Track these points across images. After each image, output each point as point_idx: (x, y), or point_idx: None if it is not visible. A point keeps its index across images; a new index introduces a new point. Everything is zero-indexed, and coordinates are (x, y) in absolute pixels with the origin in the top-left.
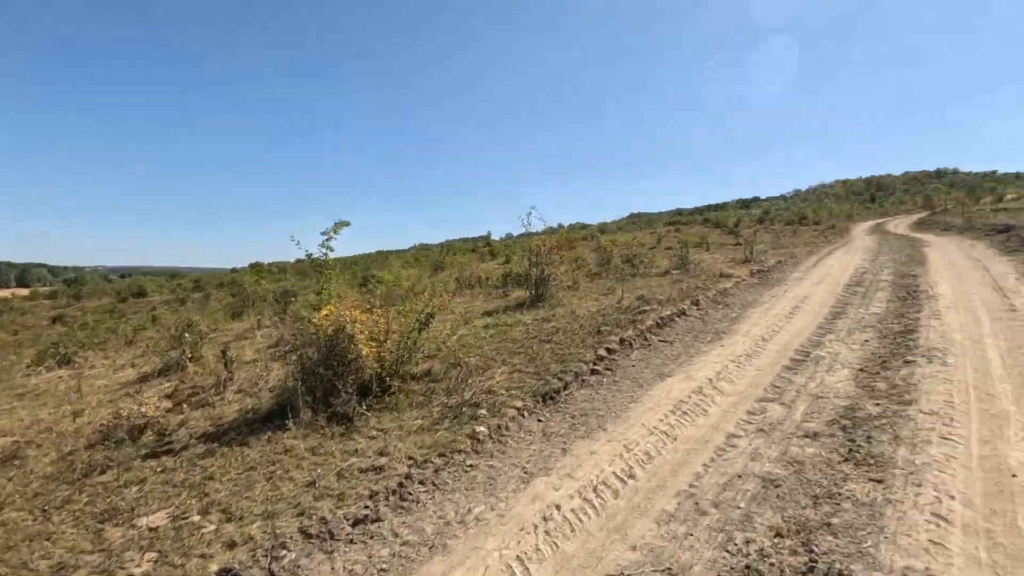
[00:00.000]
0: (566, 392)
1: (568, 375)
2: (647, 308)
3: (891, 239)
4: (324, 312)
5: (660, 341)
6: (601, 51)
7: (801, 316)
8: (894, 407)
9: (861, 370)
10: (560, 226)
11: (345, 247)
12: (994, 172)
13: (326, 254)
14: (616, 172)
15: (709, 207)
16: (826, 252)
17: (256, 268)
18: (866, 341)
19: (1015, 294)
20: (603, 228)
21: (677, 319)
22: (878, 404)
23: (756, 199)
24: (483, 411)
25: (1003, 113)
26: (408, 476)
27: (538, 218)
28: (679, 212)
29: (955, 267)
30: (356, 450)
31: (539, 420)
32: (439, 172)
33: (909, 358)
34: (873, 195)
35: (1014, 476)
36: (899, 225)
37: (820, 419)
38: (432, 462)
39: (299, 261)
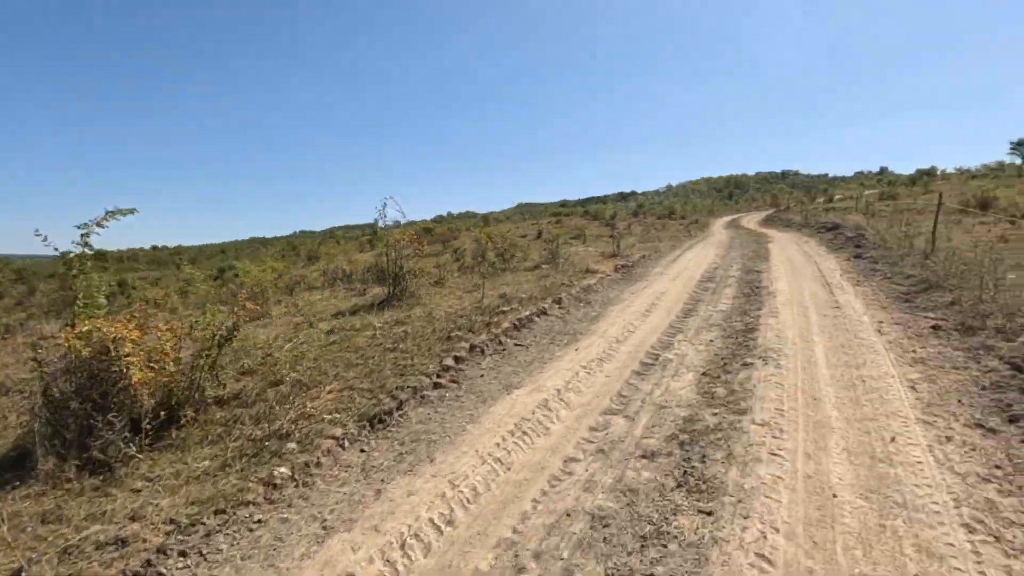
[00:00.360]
0: (400, 413)
1: (406, 391)
2: (507, 308)
3: (742, 235)
4: (82, 329)
5: (516, 345)
6: (495, 38)
7: (656, 314)
8: (730, 417)
9: (704, 374)
10: (445, 216)
11: (216, 233)
12: (826, 175)
13: (84, 252)
14: (507, 162)
15: (591, 199)
16: (687, 246)
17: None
18: (711, 341)
19: (839, 290)
20: (487, 219)
21: (537, 319)
22: (716, 414)
23: (633, 193)
24: (292, 444)
25: (835, 122)
26: (162, 549)
27: (396, 209)
28: (564, 203)
29: (792, 263)
30: (104, 512)
31: (362, 450)
32: (328, 157)
33: (748, 360)
34: (731, 192)
35: (835, 496)
36: (750, 221)
37: (660, 434)
38: (204, 523)
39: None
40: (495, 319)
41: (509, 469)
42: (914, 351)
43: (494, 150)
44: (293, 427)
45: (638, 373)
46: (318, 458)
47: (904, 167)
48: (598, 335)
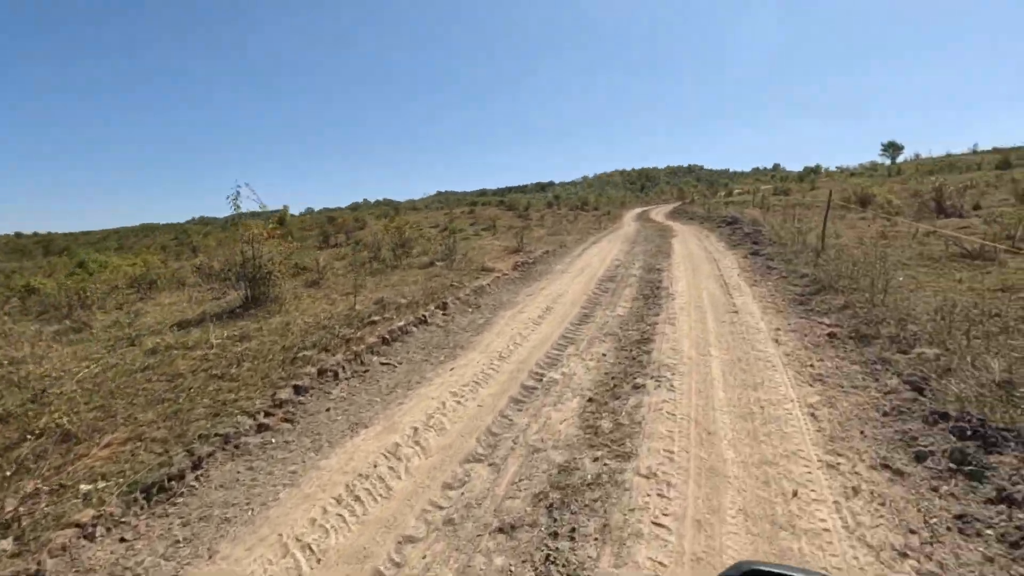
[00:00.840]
0: (198, 474)
1: (212, 441)
2: (381, 317)
3: (649, 228)
4: None
5: (382, 364)
6: (419, 21)
7: (550, 320)
8: (613, 464)
9: (591, 400)
10: (361, 203)
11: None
12: (728, 170)
13: None
14: (429, 150)
15: (511, 189)
16: (593, 240)
17: None
18: (604, 355)
19: (736, 291)
20: (401, 208)
21: (414, 330)
22: (597, 459)
23: (552, 184)
24: (6, 543)
25: (736, 123)
26: None
27: (252, 198)
28: (483, 193)
29: (692, 260)
30: None
31: (122, 540)
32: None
33: (640, 380)
34: (643, 185)
35: None
36: (658, 213)
37: (528, 490)
38: None
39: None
40: (363, 331)
41: (319, 562)
42: (812, 365)
43: (417, 137)
44: (21, 511)
45: (517, 400)
46: (38, 565)
47: (794, 164)
48: (480, 349)
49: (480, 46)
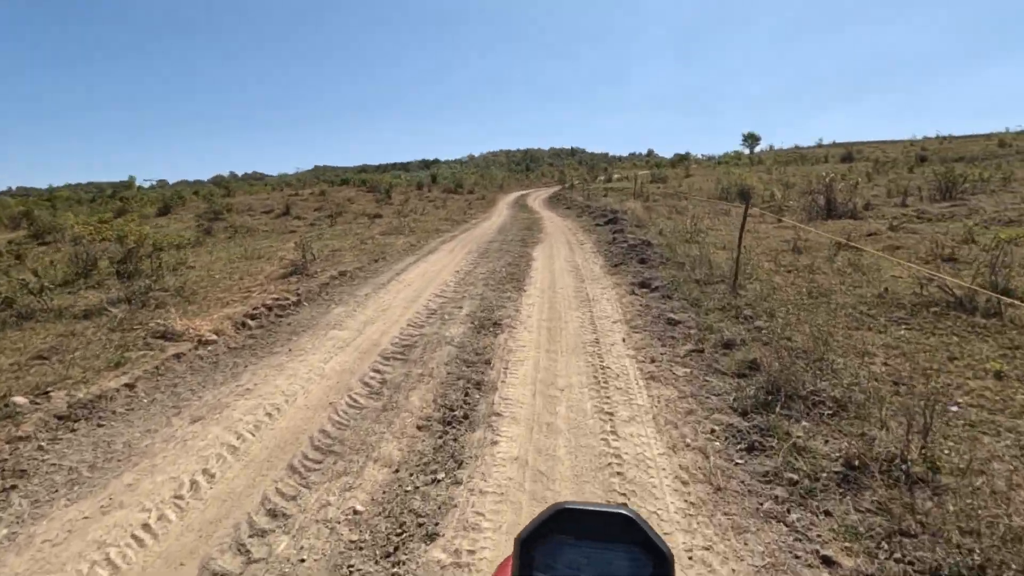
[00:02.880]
0: None
1: None
2: None
3: (518, 222)
4: None
5: None
6: None
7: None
8: None
9: None
10: (227, 176)
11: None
12: (607, 153)
13: None
14: (309, 123)
15: (394, 165)
16: (434, 246)
17: None
18: None
19: (623, 392)
20: (252, 183)
21: None
22: None
23: (436, 161)
24: None
25: (613, 109)
26: None
27: None
28: (364, 168)
29: (554, 295)
30: None
31: None
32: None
33: None
34: (528, 165)
35: None
36: (536, 199)
37: None
38: None
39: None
40: None
41: None
42: None
43: (296, 107)
44: None
45: None
46: None
47: (666, 151)
48: None
49: (372, 16)
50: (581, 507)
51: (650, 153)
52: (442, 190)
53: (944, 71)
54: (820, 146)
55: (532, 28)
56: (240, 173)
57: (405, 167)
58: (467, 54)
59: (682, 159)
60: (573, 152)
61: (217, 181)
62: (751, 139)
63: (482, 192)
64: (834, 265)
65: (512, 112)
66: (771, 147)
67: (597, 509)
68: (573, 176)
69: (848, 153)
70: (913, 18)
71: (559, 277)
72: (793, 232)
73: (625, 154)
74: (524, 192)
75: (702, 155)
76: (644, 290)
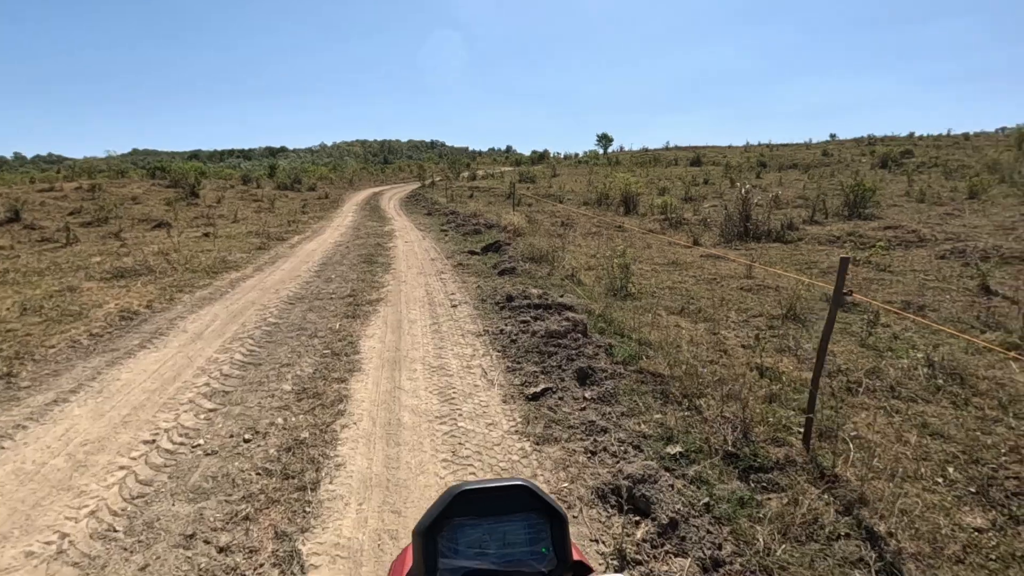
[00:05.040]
0: None
1: None
2: None
3: (360, 240)
4: None
5: None
6: None
7: None
8: None
9: None
10: (11, 159)
11: None
12: (467, 148)
13: None
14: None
15: (232, 152)
16: (199, 297)
17: None
18: None
19: None
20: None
21: None
22: None
23: (284, 149)
24: None
25: (473, 106)
26: None
27: None
28: (195, 154)
29: (398, 425)
30: None
31: None
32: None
33: None
34: (386, 157)
35: None
36: (390, 202)
37: None
38: None
39: None
40: None
41: None
42: None
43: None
44: None
45: None
46: None
47: (523, 147)
48: None
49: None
50: (478, 486)
51: (509, 149)
52: (275, 187)
53: (752, 87)
54: (668, 148)
55: (392, 15)
56: (30, 155)
57: (247, 155)
58: (324, 37)
59: (541, 157)
60: (433, 145)
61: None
62: (605, 140)
63: (325, 190)
64: (904, 363)
65: (369, 100)
66: (621, 147)
67: (494, 485)
68: (434, 172)
69: (696, 157)
70: (735, 40)
71: (419, 358)
72: (735, 264)
73: (485, 149)
74: (378, 190)
75: (561, 153)
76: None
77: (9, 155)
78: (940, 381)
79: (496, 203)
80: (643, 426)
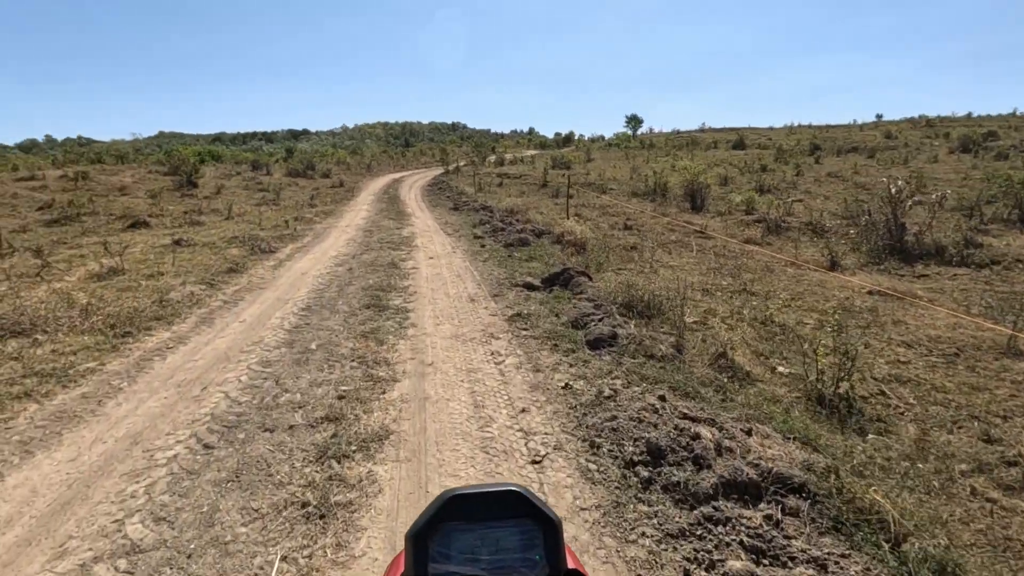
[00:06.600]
0: None
1: None
2: None
3: (372, 250)
4: None
5: None
6: None
7: None
8: None
9: None
10: (43, 141)
11: None
12: (489, 130)
13: None
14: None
15: (255, 135)
16: (117, 372)
17: None
18: None
19: None
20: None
21: None
22: None
23: (306, 132)
24: None
25: (496, 82)
26: None
27: None
28: (218, 138)
29: None
30: None
31: None
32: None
33: None
34: (407, 140)
35: None
36: (412, 189)
37: None
38: None
39: None
40: None
41: None
42: None
43: (138, 62)
44: None
45: None
46: None
47: (546, 129)
48: None
49: None
50: (470, 491)
51: (531, 131)
52: (286, 172)
53: (766, 67)
54: (703, 130)
55: None
56: (61, 138)
57: (270, 137)
58: (346, 19)
59: (567, 139)
60: (454, 127)
61: (27, 147)
62: (634, 121)
63: (341, 176)
64: None
65: (391, 83)
66: (651, 129)
67: (486, 490)
68: (458, 156)
69: (740, 139)
70: (740, 19)
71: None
72: (943, 313)
73: (507, 131)
74: (398, 176)
75: (587, 135)
76: None
77: (40, 138)
78: None
79: (530, 193)
80: None
